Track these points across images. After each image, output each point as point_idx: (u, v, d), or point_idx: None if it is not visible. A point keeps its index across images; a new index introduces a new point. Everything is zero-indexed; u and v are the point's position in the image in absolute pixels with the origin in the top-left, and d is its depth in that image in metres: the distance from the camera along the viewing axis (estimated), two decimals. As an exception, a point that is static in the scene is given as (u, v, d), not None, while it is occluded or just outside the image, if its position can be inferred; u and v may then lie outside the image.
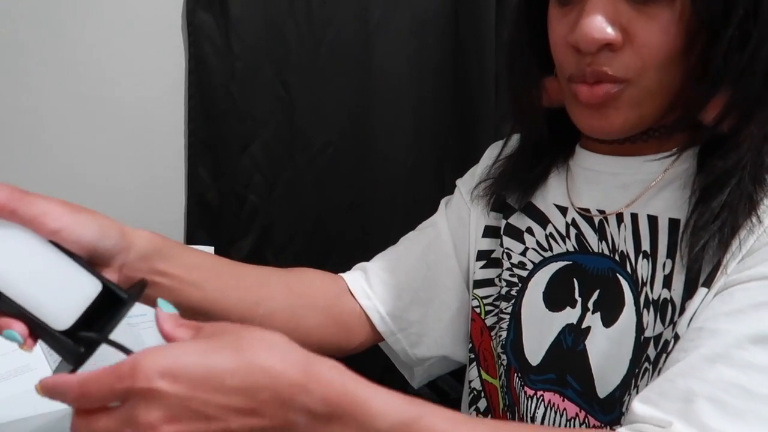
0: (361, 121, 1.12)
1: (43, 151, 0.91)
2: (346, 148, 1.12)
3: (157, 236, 0.55)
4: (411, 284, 0.71)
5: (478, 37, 1.16)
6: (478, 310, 0.70)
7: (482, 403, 0.71)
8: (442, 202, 0.77)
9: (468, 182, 0.74)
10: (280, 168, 1.09)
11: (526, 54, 0.61)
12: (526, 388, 0.63)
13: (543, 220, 0.65)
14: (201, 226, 1.08)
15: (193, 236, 1.07)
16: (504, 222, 0.69)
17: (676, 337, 0.51)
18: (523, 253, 0.66)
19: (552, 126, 0.63)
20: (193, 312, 0.58)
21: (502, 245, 0.68)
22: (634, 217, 0.57)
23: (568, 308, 0.61)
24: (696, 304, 0.51)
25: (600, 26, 0.49)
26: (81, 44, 0.92)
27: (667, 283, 0.54)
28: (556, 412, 0.61)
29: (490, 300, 0.70)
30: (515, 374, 0.65)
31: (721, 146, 0.52)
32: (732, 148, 0.51)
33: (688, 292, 0.52)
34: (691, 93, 0.51)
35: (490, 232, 0.70)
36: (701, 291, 0.51)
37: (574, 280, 0.61)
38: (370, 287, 0.71)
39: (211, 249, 0.97)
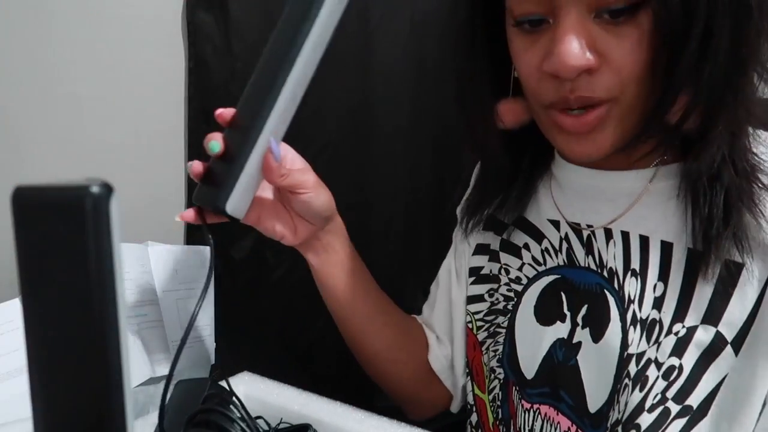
0: (361, 121, 1.12)
1: (42, 151, 0.91)
2: (346, 148, 1.12)
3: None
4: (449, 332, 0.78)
5: (478, 37, 1.16)
6: (470, 325, 0.72)
7: (474, 417, 0.72)
8: (454, 234, 0.80)
9: (462, 207, 0.77)
10: (280, 168, 1.09)
11: (476, 81, 0.60)
12: (523, 402, 0.64)
13: (539, 236, 0.66)
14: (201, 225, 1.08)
15: (193, 236, 1.07)
16: (499, 239, 0.69)
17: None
18: (520, 269, 0.67)
19: (518, 145, 0.63)
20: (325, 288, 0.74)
21: (498, 261, 0.69)
22: (625, 236, 0.57)
23: (558, 322, 0.62)
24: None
25: (578, 52, 0.48)
26: (80, 44, 0.92)
27: (658, 304, 0.54)
28: (551, 425, 0.61)
29: (480, 315, 0.71)
30: (514, 387, 0.66)
31: (698, 152, 0.52)
32: (703, 149, 0.51)
33: (679, 315, 0.53)
34: (658, 101, 0.51)
35: (479, 249, 0.73)
36: (708, 328, 0.52)
37: (562, 293, 0.62)
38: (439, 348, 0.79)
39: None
